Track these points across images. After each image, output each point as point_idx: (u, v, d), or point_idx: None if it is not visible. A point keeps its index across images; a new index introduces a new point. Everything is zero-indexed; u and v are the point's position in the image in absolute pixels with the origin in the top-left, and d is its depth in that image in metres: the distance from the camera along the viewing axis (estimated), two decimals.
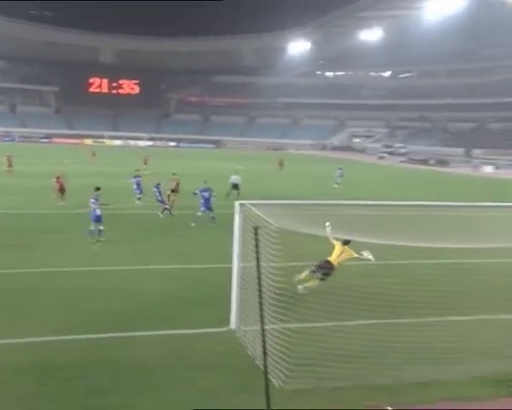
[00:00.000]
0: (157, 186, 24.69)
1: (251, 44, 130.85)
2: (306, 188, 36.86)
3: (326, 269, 13.02)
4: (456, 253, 14.51)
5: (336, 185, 38.71)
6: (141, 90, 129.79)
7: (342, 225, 13.74)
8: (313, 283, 13.08)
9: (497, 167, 72.46)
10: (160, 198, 24.66)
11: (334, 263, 13.12)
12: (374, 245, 12.75)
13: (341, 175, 40.42)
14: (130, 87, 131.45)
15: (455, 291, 11.51)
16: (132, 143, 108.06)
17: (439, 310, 11.10)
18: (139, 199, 27.52)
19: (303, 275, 13.08)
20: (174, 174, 26.72)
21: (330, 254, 13.26)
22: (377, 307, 10.52)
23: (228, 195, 29.16)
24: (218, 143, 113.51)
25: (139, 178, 28.03)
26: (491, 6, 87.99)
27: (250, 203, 11.00)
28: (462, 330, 10.74)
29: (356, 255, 13.26)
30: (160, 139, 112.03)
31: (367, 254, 13.17)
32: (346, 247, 13.25)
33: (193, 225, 22.09)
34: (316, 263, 13.14)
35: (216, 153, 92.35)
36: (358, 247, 13.16)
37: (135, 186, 27.75)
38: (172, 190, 25.59)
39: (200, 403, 8.09)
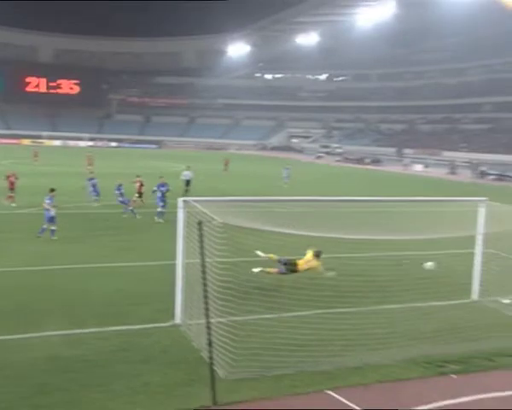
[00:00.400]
0: (119, 188, 24.48)
1: (191, 46, 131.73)
2: (254, 187, 37.36)
3: (290, 267, 13.69)
4: (390, 246, 15.30)
5: (285, 184, 39.48)
6: (81, 91, 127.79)
7: (289, 221, 13.95)
8: (272, 270, 13.68)
9: (426, 166, 76.83)
10: (121, 199, 24.43)
11: (299, 267, 13.73)
12: (319, 239, 13.23)
13: (288, 175, 41.32)
14: (69, 87, 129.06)
15: (388, 281, 12.37)
16: (72, 143, 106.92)
17: (374, 299, 11.86)
18: (96, 201, 26.94)
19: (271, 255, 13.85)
20: (138, 176, 26.49)
21: (302, 258, 13.87)
22: (319, 298, 11.13)
23: (185, 191, 29.14)
24: (159, 144, 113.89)
25: (95, 181, 27.53)
26: (419, 15, 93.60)
27: (193, 200, 10.94)
28: (394, 317, 11.45)
29: (320, 270, 13.84)
30: (101, 140, 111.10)
31: (329, 275, 13.66)
32: (315, 258, 13.83)
33: (160, 220, 22.74)
34: (287, 257, 13.79)
35: (159, 153, 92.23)
36: (304, 241, 13.61)
37: (91, 188, 27.20)
38: (139, 192, 25.68)
39: (147, 396, 8.27)
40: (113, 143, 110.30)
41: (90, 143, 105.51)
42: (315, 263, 13.90)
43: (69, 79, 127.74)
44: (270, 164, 67.80)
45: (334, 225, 14.22)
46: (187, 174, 32.59)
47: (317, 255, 13.87)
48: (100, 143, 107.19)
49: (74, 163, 50.49)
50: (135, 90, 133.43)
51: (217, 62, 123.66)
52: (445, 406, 8.39)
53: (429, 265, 13.86)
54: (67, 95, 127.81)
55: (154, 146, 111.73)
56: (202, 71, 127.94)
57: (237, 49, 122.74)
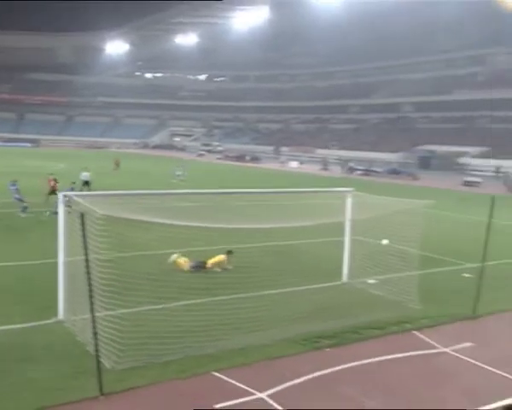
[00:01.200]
0: (13, 184, 23.91)
1: (67, 42, 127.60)
2: (148, 184, 36.80)
3: (199, 267, 14.84)
4: (269, 236, 16.22)
5: (176, 180, 41.51)
6: None
7: (177, 214, 14.13)
8: (183, 264, 14.76)
9: (301, 163, 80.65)
10: (18, 196, 23.73)
11: (207, 264, 14.93)
12: (204, 229, 13.82)
13: (183, 173, 43.33)
14: None
15: (269, 269, 13.28)
16: None
17: (256, 285, 12.41)
18: None
19: (181, 260, 14.81)
20: (51, 174, 26.20)
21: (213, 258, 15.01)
22: (204, 286, 11.89)
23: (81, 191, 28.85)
24: (36, 142, 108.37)
25: None
26: (291, 21, 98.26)
27: (75, 194, 11.00)
28: (275, 301, 12.17)
29: (224, 263, 14.98)
30: None
31: (229, 267, 14.97)
32: (223, 255, 15.09)
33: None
34: (200, 259, 14.95)
35: (36, 152, 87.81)
36: (190, 232, 13.82)
37: None
38: (52, 191, 25.07)
39: (31, 393, 8.15)
40: None
41: None
42: (219, 259, 14.98)
43: None
44: (156, 162, 67.78)
45: (219, 217, 15.02)
46: (85, 175, 32.05)
47: (227, 253, 15.05)
48: None
49: None
50: (6, 86, 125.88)
51: (95, 60, 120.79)
52: (320, 376, 9.24)
53: (385, 242, 14.75)
54: None
55: (29, 145, 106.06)
56: (80, 68, 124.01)
57: (116, 48, 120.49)
